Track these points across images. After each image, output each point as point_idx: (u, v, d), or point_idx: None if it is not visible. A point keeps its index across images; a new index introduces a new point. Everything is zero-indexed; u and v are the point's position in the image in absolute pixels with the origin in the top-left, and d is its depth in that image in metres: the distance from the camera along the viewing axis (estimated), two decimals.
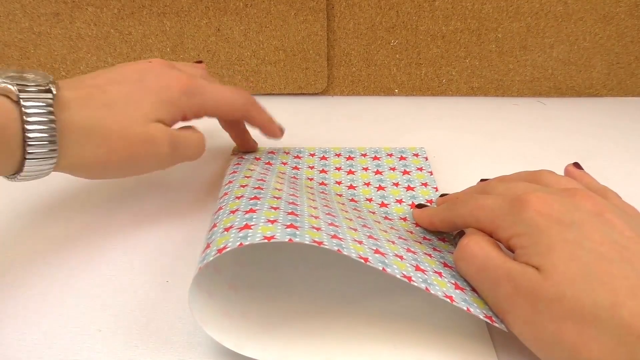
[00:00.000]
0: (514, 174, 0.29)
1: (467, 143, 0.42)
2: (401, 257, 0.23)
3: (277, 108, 0.49)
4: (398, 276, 0.21)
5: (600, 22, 0.46)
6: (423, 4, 0.46)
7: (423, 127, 0.45)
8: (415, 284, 0.21)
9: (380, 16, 0.46)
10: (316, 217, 0.24)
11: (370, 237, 0.24)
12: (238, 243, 0.21)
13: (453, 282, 0.23)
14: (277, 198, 0.26)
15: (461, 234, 0.25)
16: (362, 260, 0.21)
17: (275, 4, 0.45)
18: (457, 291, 0.22)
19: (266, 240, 0.21)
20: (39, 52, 0.46)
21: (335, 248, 0.21)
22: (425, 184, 0.35)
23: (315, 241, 0.21)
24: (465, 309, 0.21)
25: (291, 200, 0.26)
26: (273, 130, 0.35)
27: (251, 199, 0.25)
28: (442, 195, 0.32)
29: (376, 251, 0.23)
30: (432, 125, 0.46)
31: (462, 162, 0.39)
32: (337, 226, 0.24)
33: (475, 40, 0.48)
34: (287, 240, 0.21)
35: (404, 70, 0.50)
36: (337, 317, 0.24)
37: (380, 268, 0.21)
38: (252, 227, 0.22)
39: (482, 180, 0.32)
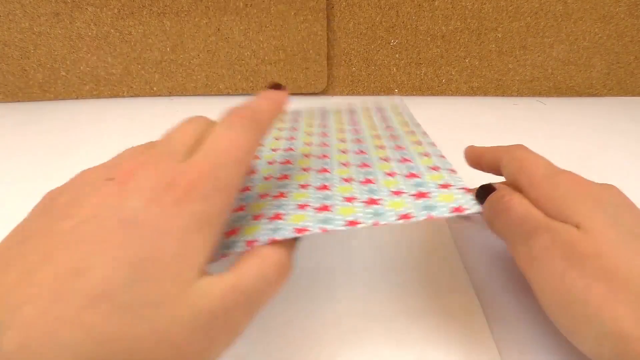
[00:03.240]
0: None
1: (467, 143, 0.42)
2: (351, 199, 0.23)
3: None
4: (340, 228, 0.20)
5: (599, 22, 0.47)
6: (423, 4, 0.46)
7: (423, 127, 0.45)
8: (362, 225, 0.21)
9: (380, 16, 0.46)
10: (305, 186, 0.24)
11: (323, 187, 0.24)
12: (268, 237, 0.18)
13: (415, 192, 0.23)
14: (305, 170, 0.25)
15: (486, 189, 0.25)
16: (298, 233, 0.19)
17: (275, 4, 0.45)
18: (420, 200, 0.22)
19: (298, 234, 0.19)
20: (39, 52, 0.46)
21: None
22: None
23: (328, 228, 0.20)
24: (427, 216, 0.21)
25: (321, 167, 0.26)
26: (283, 101, 0.26)
27: (279, 178, 0.24)
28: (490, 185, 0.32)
29: (321, 208, 0.22)
30: (431, 125, 0.46)
31: (462, 162, 0.39)
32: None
33: (475, 40, 0.48)
34: (319, 231, 0.19)
35: (404, 70, 0.50)
36: (337, 317, 0.25)
37: (319, 230, 0.20)
38: (282, 216, 0.20)
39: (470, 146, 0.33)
